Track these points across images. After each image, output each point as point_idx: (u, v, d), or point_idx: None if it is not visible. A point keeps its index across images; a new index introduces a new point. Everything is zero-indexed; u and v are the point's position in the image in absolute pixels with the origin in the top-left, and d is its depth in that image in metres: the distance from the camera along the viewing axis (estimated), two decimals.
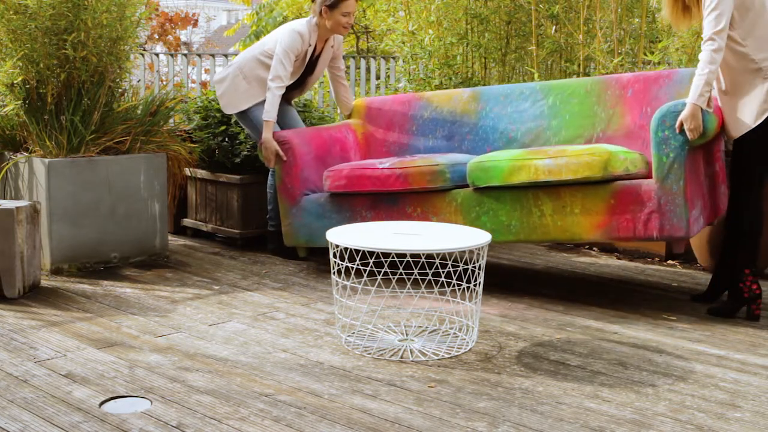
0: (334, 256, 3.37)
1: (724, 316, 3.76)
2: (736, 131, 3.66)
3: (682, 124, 3.58)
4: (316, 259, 4.83)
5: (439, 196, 4.16)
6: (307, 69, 4.84)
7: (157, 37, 14.43)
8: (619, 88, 4.29)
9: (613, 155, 3.71)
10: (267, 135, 4.53)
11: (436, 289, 3.49)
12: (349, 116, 5.08)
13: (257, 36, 10.31)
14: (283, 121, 4.85)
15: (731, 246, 3.78)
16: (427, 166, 4.16)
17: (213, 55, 6.43)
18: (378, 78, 7.36)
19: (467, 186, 4.11)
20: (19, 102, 4.60)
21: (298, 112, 5.42)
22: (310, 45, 4.71)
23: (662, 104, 4.07)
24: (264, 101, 4.72)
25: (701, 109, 3.56)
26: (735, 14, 3.53)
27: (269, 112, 4.55)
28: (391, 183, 4.21)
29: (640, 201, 3.69)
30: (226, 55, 6.97)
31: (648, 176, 3.73)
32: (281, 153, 4.51)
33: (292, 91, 4.87)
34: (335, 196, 4.41)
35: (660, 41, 5.50)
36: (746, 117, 3.60)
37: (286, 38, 4.62)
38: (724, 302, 3.82)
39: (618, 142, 4.15)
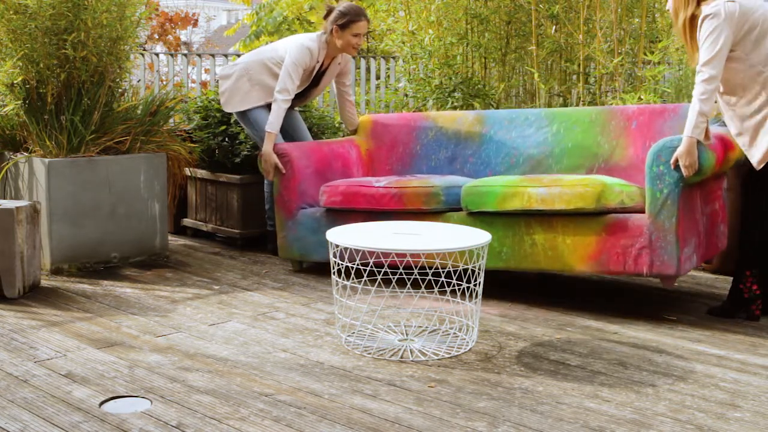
0: (334, 255, 3.37)
1: (724, 316, 3.76)
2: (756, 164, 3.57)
3: (677, 160, 3.52)
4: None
5: (432, 217, 4.14)
6: (312, 83, 4.87)
7: (157, 37, 14.42)
8: (623, 119, 4.26)
9: (607, 187, 3.68)
10: (267, 147, 4.52)
11: (436, 289, 3.49)
12: (354, 132, 5.07)
13: (257, 36, 10.32)
14: (286, 126, 4.85)
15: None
16: (422, 188, 4.15)
17: (213, 55, 6.43)
18: (378, 78, 7.36)
19: (461, 209, 4.10)
20: (19, 102, 4.60)
21: (299, 111, 5.41)
22: (318, 61, 4.72)
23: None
24: (264, 105, 4.73)
25: (698, 144, 3.50)
26: (740, 35, 3.44)
27: (272, 124, 4.55)
28: (386, 202, 4.21)
29: (631, 235, 3.65)
30: (226, 55, 6.97)
31: (645, 210, 3.69)
32: (280, 166, 4.51)
33: (294, 100, 4.87)
34: (330, 211, 4.41)
35: (660, 41, 5.49)
36: (756, 154, 3.53)
37: (296, 52, 4.62)
38: (724, 303, 3.82)
39: (620, 173, 4.13)
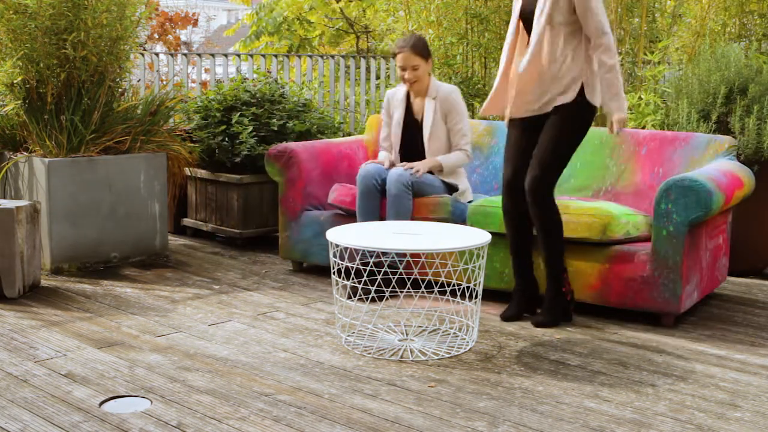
0: (334, 255, 3.37)
1: (551, 326, 3.61)
2: None
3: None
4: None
5: None
6: (411, 132, 4.39)
7: (157, 36, 14.42)
8: (633, 143, 4.23)
9: (614, 219, 3.67)
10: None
11: (436, 289, 3.49)
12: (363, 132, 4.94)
13: (257, 36, 10.30)
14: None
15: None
16: (431, 197, 4.16)
17: (213, 55, 6.43)
18: (378, 78, 7.36)
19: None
20: (19, 102, 4.60)
21: (299, 111, 5.38)
22: (400, 101, 4.40)
23: (675, 167, 4.03)
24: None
25: (709, 187, 3.47)
26: None
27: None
28: None
29: (634, 269, 3.64)
30: (226, 55, 6.96)
31: (650, 239, 3.67)
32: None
33: (408, 155, 4.39)
34: (336, 215, 4.40)
35: (660, 41, 5.49)
36: None
37: None
38: (544, 314, 3.66)
39: (626, 199, 4.12)
